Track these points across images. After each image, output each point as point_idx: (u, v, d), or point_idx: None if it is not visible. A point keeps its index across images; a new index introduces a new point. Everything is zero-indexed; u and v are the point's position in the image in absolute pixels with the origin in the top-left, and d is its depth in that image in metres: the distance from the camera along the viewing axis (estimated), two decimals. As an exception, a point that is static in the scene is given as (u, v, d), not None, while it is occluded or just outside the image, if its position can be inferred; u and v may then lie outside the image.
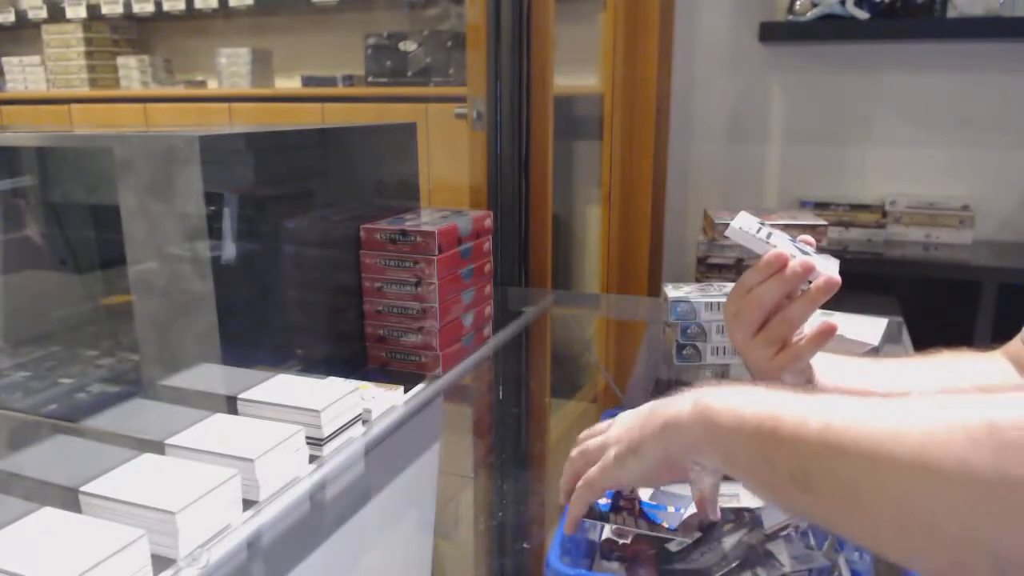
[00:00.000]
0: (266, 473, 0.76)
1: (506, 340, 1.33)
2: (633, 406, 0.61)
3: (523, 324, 1.46)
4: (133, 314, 0.92)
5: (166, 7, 2.95)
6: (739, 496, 0.70)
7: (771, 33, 2.10)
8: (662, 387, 0.56)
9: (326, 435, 0.84)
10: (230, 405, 0.86)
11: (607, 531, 0.70)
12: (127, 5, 3.04)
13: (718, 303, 1.15)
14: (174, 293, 0.89)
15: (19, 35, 3.41)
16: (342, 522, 0.80)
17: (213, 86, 3.07)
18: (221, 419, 0.83)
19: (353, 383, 0.92)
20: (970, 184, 2.09)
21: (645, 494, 0.66)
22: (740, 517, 0.69)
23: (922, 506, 0.37)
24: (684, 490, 0.66)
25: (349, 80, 2.76)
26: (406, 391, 1.03)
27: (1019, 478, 0.34)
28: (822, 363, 0.74)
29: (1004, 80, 2.03)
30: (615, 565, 0.67)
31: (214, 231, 0.87)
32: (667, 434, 0.53)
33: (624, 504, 0.64)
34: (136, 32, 3.27)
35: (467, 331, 1.18)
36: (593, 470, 0.59)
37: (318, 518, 0.79)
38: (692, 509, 0.63)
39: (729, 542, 0.66)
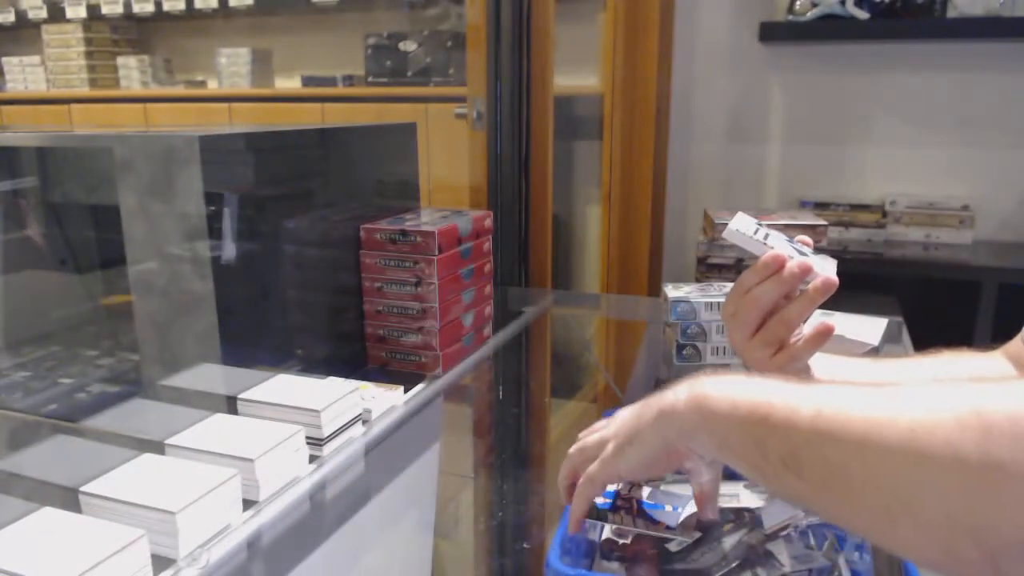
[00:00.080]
0: (266, 473, 0.76)
1: (506, 340, 1.33)
2: (633, 406, 0.61)
3: (523, 324, 1.46)
4: (133, 314, 0.92)
5: (166, 7, 2.95)
6: (739, 496, 0.70)
7: (771, 33, 2.10)
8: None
9: (326, 435, 0.84)
10: (230, 405, 0.86)
11: (607, 531, 0.70)
12: (127, 5, 3.04)
13: (718, 303, 1.15)
14: (174, 293, 0.89)
15: (19, 35, 3.41)
16: (342, 522, 0.80)
17: (213, 86, 3.07)
18: (221, 419, 0.83)
19: (353, 383, 0.92)
20: (970, 184, 2.09)
21: (644, 494, 0.66)
22: (740, 517, 0.69)
23: (910, 491, 0.38)
24: (683, 490, 0.66)
25: (349, 80, 2.76)
26: (406, 391, 1.03)
27: (1005, 463, 0.34)
28: (821, 363, 0.74)
29: (1004, 80, 2.03)
30: (615, 565, 0.67)
31: (214, 231, 0.87)
32: (663, 422, 0.54)
33: (623, 504, 0.64)
34: (136, 32, 3.27)
35: (467, 331, 1.18)
36: (593, 465, 0.59)
37: (318, 518, 0.79)
38: (691, 508, 0.63)
39: (729, 542, 0.66)
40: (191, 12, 2.94)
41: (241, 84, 2.91)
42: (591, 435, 0.62)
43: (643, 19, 1.98)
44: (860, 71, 2.14)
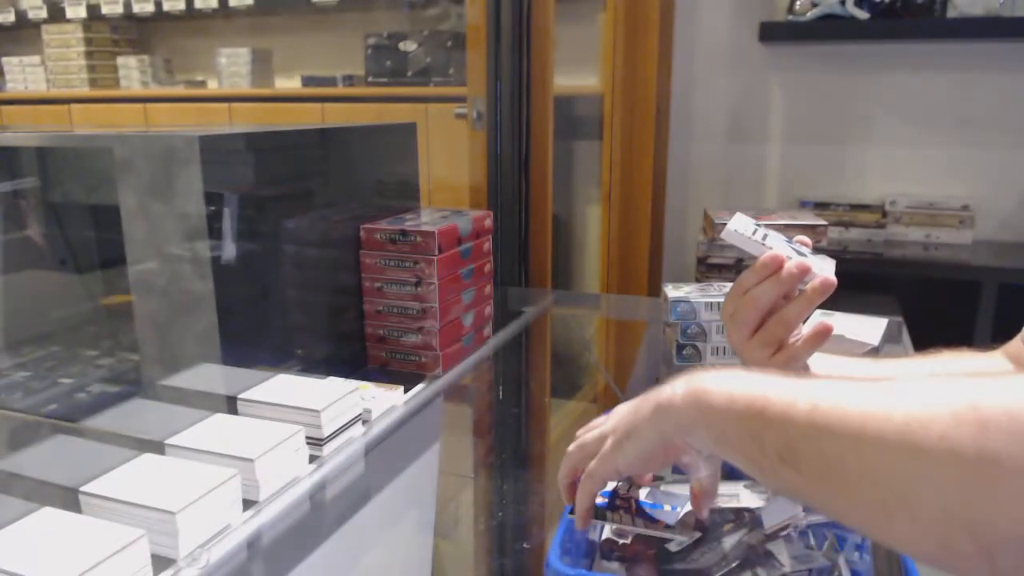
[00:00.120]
0: (266, 473, 0.76)
1: (506, 340, 1.33)
2: (633, 406, 0.61)
3: (523, 324, 1.46)
4: (133, 314, 0.92)
5: (166, 7, 2.95)
6: (739, 496, 0.70)
7: (771, 33, 2.10)
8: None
9: (326, 435, 0.84)
10: (230, 405, 0.86)
11: (607, 531, 0.70)
12: (127, 5, 3.04)
13: (718, 303, 1.15)
14: (174, 293, 0.89)
15: (19, 35, 3.41)
16: (342, 522, 0.80)
17: (213, 86, 3.07)
18: (221, 419, 0.83)
19: (353, 383, 0.92)
20: (970, 184, 2.09)
21: (643, 493, 0.66)
22: (740, 517, 0.69)
23: (907, 485, 0.38)
24: (682, 490, 0.66)
25: (349, 80, 2.76)
26: (406, 391, 1.03)
27: (1001, 457, 0.34)
28: (821, 363, 0.74)
29: (1004, 80, 2.03)
30: (615, 565, 0.67)
31: (214, 231, 0.87)
32: (661, 416, 0.54)
33: (621, 503, 0.64)
34: (136, 32, 3.27)
35: (467, 331, 1.18)
36: (593, 462, 0.59)
37: (318, 518, 0.79)
38: (689, 507, 0.63)
39: (729, 542, 0.66)
40: (191, 12, 2.94)
41: (241, 84, 2.90)
42: (590, 432, 0.62)
43: (643, 19, 1.98)
44: (860, 71, 2.14)
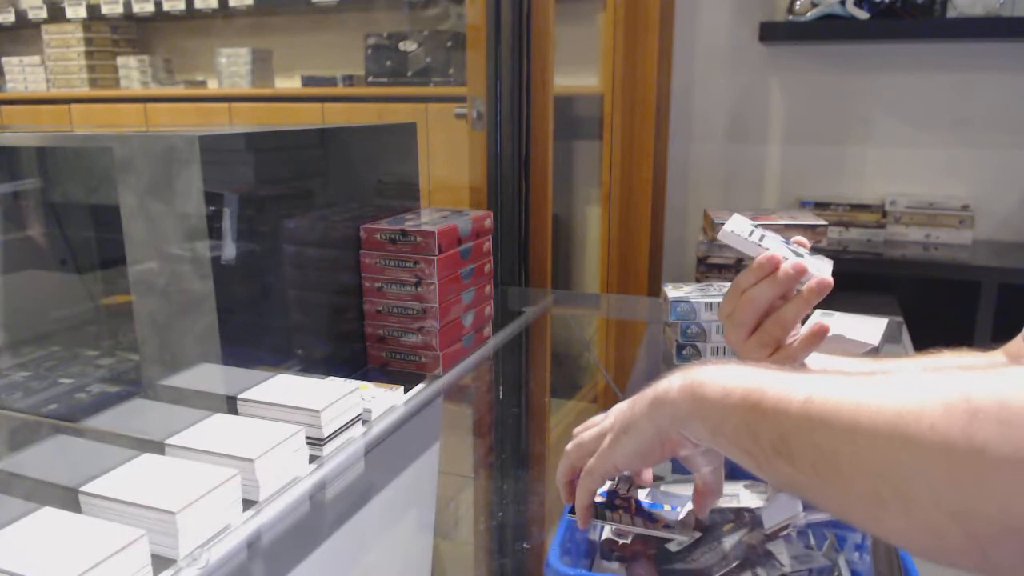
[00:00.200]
0: (266, 473, 0.76)
1: (506, 340, 1.33)
2: (632, 406, 0.61)
3: (523, 324, 1.46)
4: (133, 314, 0.92)
5: (166, 7, 2.95)
6: (739, 496, 0.70)
7: (771, 33, 2.10)
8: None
9: (326, 435, 0.84)
10: (230, 405, 0.86)
11: (607, 531, 0.70)
12: (127, 5, 3.04)
13: (718, 303, 1.15)
14: (174, 293, 0.89)
15: (19, 35, 3.41)
16: (342, 522, 0.80)
17: (213, 86, 3.07)
18: (221, 419, 0.83)
19: (353, 383, 0.92)
20: (970, 184, 2.09)
21: (642, 493, 0.66)
22: (740, 517, 0.69)
23: (899, 476, 0.38)
24: (682, 490, 0.66)
25: (349, 80, 2.76)
26: (406, 391, 1.03)
27: (991, 447, 0.34)
28: (820, 363, 0.74)
29: (1004, 80, 2.03)
30: (615, 565, 0.68)
31: (214, 231, 0.87)
32: (657, 410, 0.54)
33: (621, 503, 0.64)
34: (136, 32, 3.27)
35: (467, 331, 1.18)
36: (592, 459, 0.59)
37: (318, 518, 0.79)
38: (689, 507, 0.63)
39: (729, 542, 0.66)
40: (191, 12, 2.94)
41: (241, 84, 2.90)
42: (587, 431, 0.62)
43: (643, 19, 1.98)
44: (860, 71, 2.14)
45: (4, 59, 3.35)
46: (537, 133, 1.70)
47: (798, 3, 2.03)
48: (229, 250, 0.89)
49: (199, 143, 0.84)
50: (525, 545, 0.78)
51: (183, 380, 0.91)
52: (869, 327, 1.13)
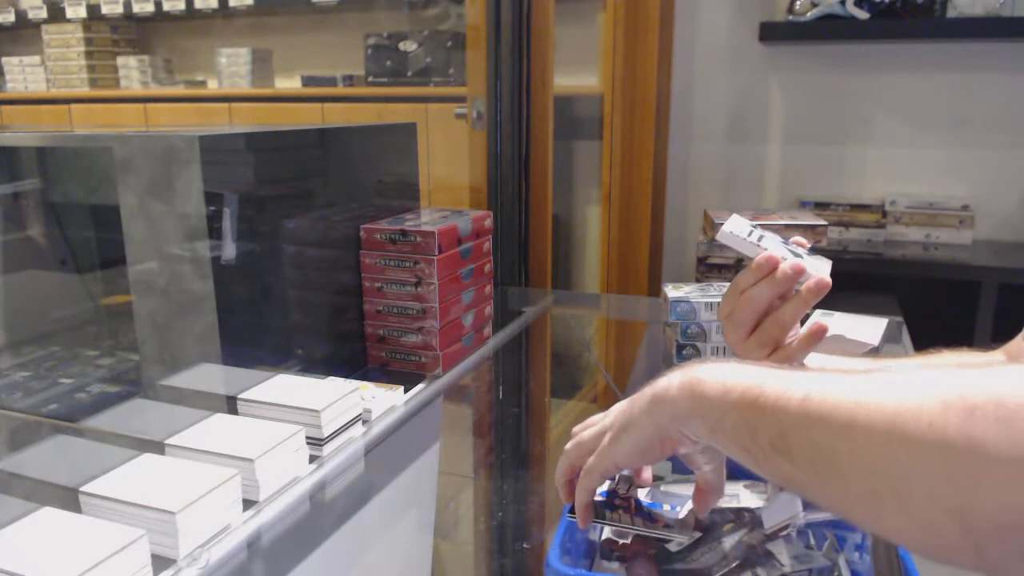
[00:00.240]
0: (266, 473, 0.76)
1: (506, 340, 1.33)
2: (632, 406, 0.61)
3: (523, 324, 1.46)
4: (133, 314, 0.92)
5: (166, 7, 2.95)
6: (739, 496, 0.70)
7: (771, 33, 2.10)
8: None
9: (326, 435, 0.84)
10: (230, 405, 0.86)
11: (607, 531, 0.70)
12: (127, 5, 3.04)
13: (718, 303, 1.15)
14: (174, 293, 0.89)
15: (19, 35, 3.41)
16: (342, 522, 0.80)
17: (213, 86, 3.07)
18: (221, 419, 0.83)
19: (353, 383, 0.92)
20: (970, 184, 2.09)
21: (641, 493, 0.66)
22: (740, 517, 0.69)
23: (896, 473, 0.38)
24: (682, 490, 0.66)
25: (349, 80, 2.76)
26: (406, 391, 1.03)
27: (988, 445, 0.34)
28: (820, 364, 0.74)
29: (1003, 80, 2.03)
30: (615, 565, 0.68)
31: (214, 231, 0.87)
32: (656, 407, 0.54)
33: (621, 503, 0.64)
34: (136, 32, 3.27)
35: (467, 331, 1.18)
36: (591, 457, 0.59)
37: (318, 518, 0.79)
38: (689, 506, 0.63)
39: (729, 542, 0.66)
40: (191, 12, 2.94)
41: (241, 84, 2.90)
42: (587, 430, 0.62)
43: (643, 19, 1.98)
44: (860, 71, 2.14)
45: (4, 59, 3.35)
46: (537, 133, 1.70)
47: (798, 3, 2.03)
48: (229, 250, 0.89)
49: (199, 143, 0.84)
50: (525, 545, 0.78)
51: (183, 380, 0.91)
52: (869, 327, 1.13)
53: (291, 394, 0.86)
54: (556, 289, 1.88)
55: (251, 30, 3.04)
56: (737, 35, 2.21)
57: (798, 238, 0.72)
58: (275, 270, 0.98)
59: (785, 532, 0.66)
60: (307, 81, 2.85)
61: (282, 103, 2.86)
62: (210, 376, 0.90)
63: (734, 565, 0.64)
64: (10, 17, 3.29)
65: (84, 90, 3.14)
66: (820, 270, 0.68)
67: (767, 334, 0.69)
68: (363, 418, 0.93)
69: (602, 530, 0.71)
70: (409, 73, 2.62)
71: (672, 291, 1.18)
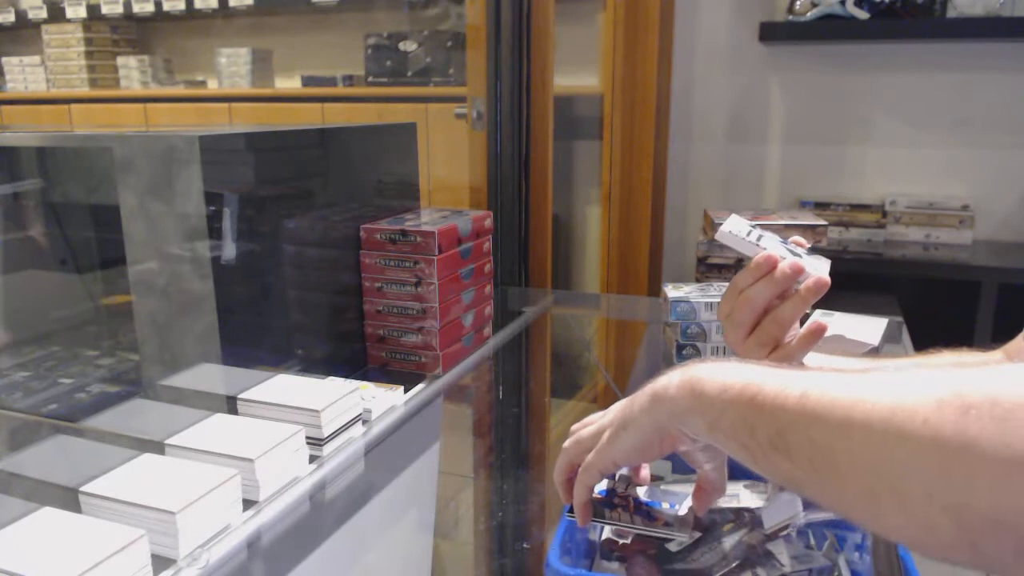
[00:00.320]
0: (266, 473, 0.76)
1: (506, 340, 1.33)
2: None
3: (523, 324, 1.46)
4: (133, 314, 0.92)
5: (166, 7, 2.95)
6: (739, 496, 0.70)
7: (771, 33, 2.10)
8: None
9: (326, 435, 0.84)
10: (230, 405, 0.86)
11: (607, 531, 0.70)
12: (127, 5, 3.04)
13: (718, 303, 1.14)
14: (174, 293, 0.89)
15: (19, 35, 3.41)
16: (342, 522, 0.80)
17: (213, 86, 3.07)
18: (221, 419, 0.83)
19: (353, 383, 0.92)
20: (970, 184, 2.09)
21: (640, 492, 0.66)
22: (740, 517, 0.69)
23: (893, 471, 0.38)
24: (682, 489, 0.66)
25: (349, 80, 2.76)
26: (406, 391, 1.03)
27: (982, 442, 0.35)
28: (819, 363, 0.74)
29: (1003, 80, 2.03)
30: (615, 565, 0.68)
31: (214, 231, 0.87)
32: (656, 405, 0.54)
33: (620, 502, 0.64)
34: (136, 32, 3.27)
35: (467, 331, 1.18)
36: (590, 455, 0.59)
37: (318, 518, 0.79)
38: (688, 503, 0.63)
39: (729, 542, 0.66)
40: (191, 12, 2.94)
41: (241, 84, 2.90)
42: (585, 428, 0.62)
43: (643, 19, 1.98)
44: (860, 71, 2.14)
45: (4, 59, 3.35)
46: (537, 133, 1.70)
47: (798, 3, 2.03)
48: (229, 250, 0.89)
49: (199, 143, 0.84)
50: (525, 545, 0.78)
51: (183, 380, 0.91)
52: (869, 327, 1.14)
53: (291, 394, 0.86)
54: (556, 289, 1.88)
55: (251, 30, 3.04)
56: (737, 35, 2.21)
57: (797, 238, 0.72)
58: (275, 270, 0.99)
59: (785, 532, 0.66)
60: (307, 81, 2.85)
61: (282, 103, 2.86)
62: (210, 376, 0.90)
63: (734, 565, 0.64)
64: (10, 17, 3.29)
65: (84, 90, 3.14)
66: (819, 269, 0.68)
67: (766, 333, 0.69)
68: (363, 418, 0.93)
69: (602, 530, 0.71)
70: (409, 73, 2.62)
71: (672, 291, 1.18)
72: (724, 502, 0.68)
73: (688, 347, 1.16)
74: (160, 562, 0.65)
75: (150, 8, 2.98)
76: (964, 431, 0.35)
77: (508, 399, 1.22)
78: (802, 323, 0.71)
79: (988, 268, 1.89)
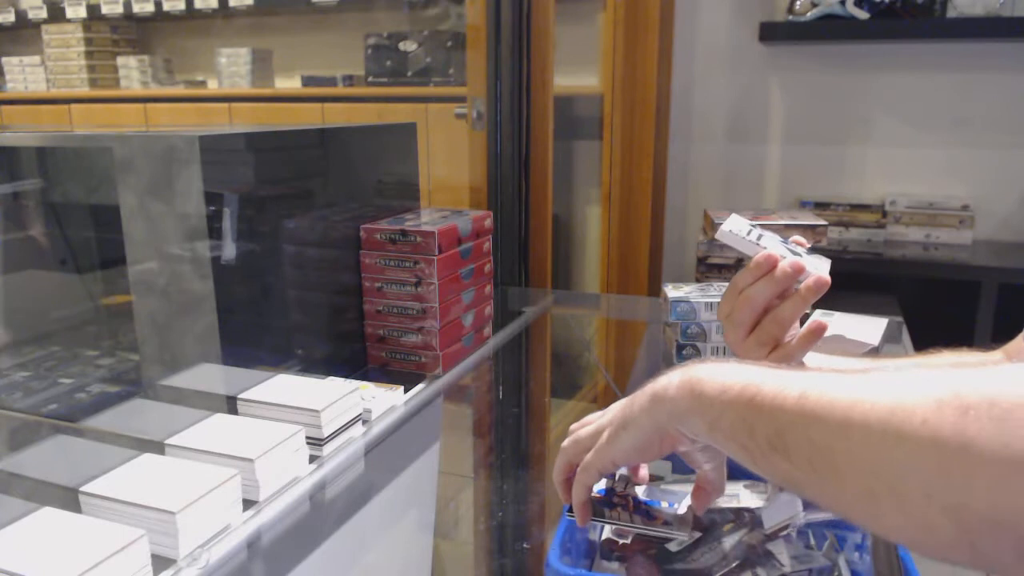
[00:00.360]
0: (266, 473, 0.76)
1: (506, 340, 1.33)
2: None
3: (523, 324, 1.46)
4: (133, 314, 0.92)
5: (166, 7, 2.95)
6: (739, 496, 0.70)
7: (771, 33, 2.10)
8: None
9: (326, 435, 0.84)
10: (230, 405, 0.86)
11: (607, 531, 0.70)
12: (127, 5, 3.04)
13: (718, 303, 1.14)
14: (174, 293, 0.89)
15: (19, 35, 3.41)
16: (342, 522, 0.80)
17: (213, 86, 3.07)
18: (221, 419, 0.83)
19: (353, 383, 0.92)
20: (970, 184, 2.09)
21: (640, 491, 0.66)
22: (740, 517, 0.69)
23: (891, 471, 0.38)
24: (681, 488, 0.66)
25: (349, 80, 2.76)
26: (406, 391, 1.03)
27: (981, 443, 0.35)
28: (819, 363, 0.74)
29: (1003, 80, 2.03)
30: (615, 565, 0.68)
31: (214, 231, 0.87)
32: (656, 406, 0.54)
33: (619, 501, 0.64)
34: (136, 32, 3.27)
35: (467, 331, 1.18)
36: (589, 454, 0.59)
37: (318, 518, 0.79)
38: (688, 502, 0.63)
39: (729, 542, 0.66)
40: (191, 12, 2.94)
41: (241, 84, 2.90)
42: (584, 427, 0.62)
43: (643, 19, 1.98)
44: (860, 71, 2.14)
45: (4, 59, 3.35)
46: (537, 133, 1.70)
47: (798, 3, 2.03)
48: (229, 250, 0.89)
49: (199, 143, 0.84)
50: (525, 545, 0.78)
51: (183, 380, 0.91)
52: (869, 327, 1.14)
53: (291, 394, 0.86)
54: (556, 289, 1.88)
55: (251, 30, 3.04)
56: (737, 35, 2.21)
57: (797, 237, 0.72)
58: (275, 270, 0.99)
59: (785, 532, 0.67)
60: (307, 81, 2.85)
61: (282, 103, 2.86)
62: (210, 376, 0.90)
63: (734, 565, 0.64)
64: (10, 17, 3.29)
65: (84, 90, 3.15)
66: (819, 268, 0.68)
67: (766, 333, 0.69)
68: (363, 418, 0.93)
69: (602, 530, 0.71)
70: (409, 73, 2.62)
71: (672, 291, 1.18)
72: (724, 502, 0.68)
73: (688, 347, 1.16)
74: (160, 562, 0.65)
75: (150, 8, 2.98)
76: (963, 431, 0.35)
77: (508, 399, 1.22)
78: (802, 323, 0.71)
79: (988, 268, 1.89)
